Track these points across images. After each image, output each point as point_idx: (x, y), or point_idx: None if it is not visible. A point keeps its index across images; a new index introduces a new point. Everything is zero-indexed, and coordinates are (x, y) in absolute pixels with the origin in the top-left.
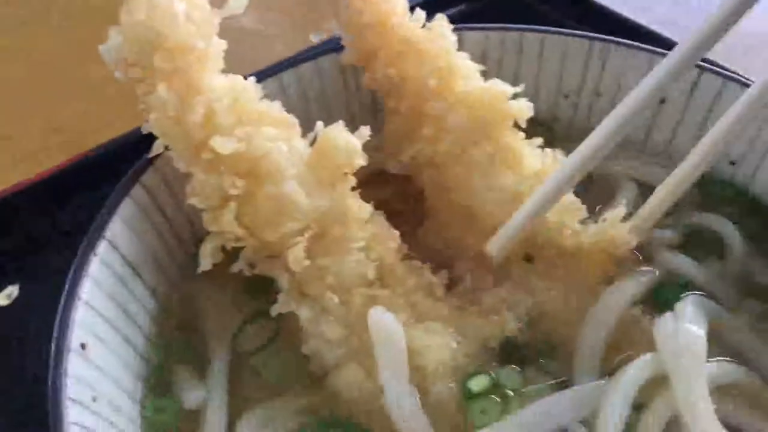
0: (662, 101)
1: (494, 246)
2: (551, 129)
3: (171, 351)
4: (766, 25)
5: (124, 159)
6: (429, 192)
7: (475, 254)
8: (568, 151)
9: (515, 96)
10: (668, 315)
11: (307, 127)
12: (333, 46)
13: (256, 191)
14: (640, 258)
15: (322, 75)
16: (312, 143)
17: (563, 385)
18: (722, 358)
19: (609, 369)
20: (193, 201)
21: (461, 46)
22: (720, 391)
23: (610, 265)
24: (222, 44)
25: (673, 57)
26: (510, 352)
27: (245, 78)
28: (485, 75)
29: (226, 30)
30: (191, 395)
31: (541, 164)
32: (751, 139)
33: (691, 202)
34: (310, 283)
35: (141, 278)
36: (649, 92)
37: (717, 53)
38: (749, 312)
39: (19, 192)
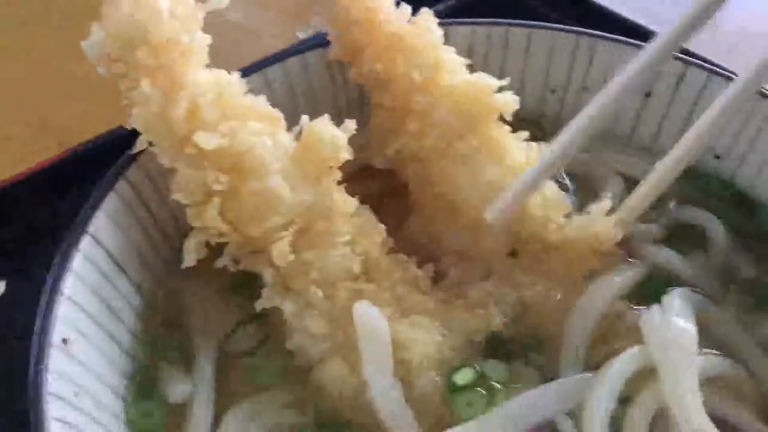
0: (648, 95)
1: (492, 213)
2: (539, 125)
3: (157, 347)
4: (749, 23)
5: (113, 155)
6: (414, 186)
7: (459, 248)
8: None
9: (501, 89)
10: (655, 308)
11: (293, 122)
12: (320, 41)
13: (240, 186)
14: (625, 252)
15: (309, 70)
16: (297, 137)
17: (549, 379)
18: (708, 351)
19: (595, 362)
20: (177, 196)
21: (447, 41)
22: (706, 384)
23: (594, 260)
24: (206, 39)
25: (651, 48)
26: (496, 346)
27: (229, 73)
28: (471, 69)
29: (211, 25)
30: (177, 389)
31: (527, 158)
32: (736, 133)
33: (676, 196)
34: (295, 278)
35: (125, 274)
36: (628, 79)
37: (702, 50)
38: (734, 305)
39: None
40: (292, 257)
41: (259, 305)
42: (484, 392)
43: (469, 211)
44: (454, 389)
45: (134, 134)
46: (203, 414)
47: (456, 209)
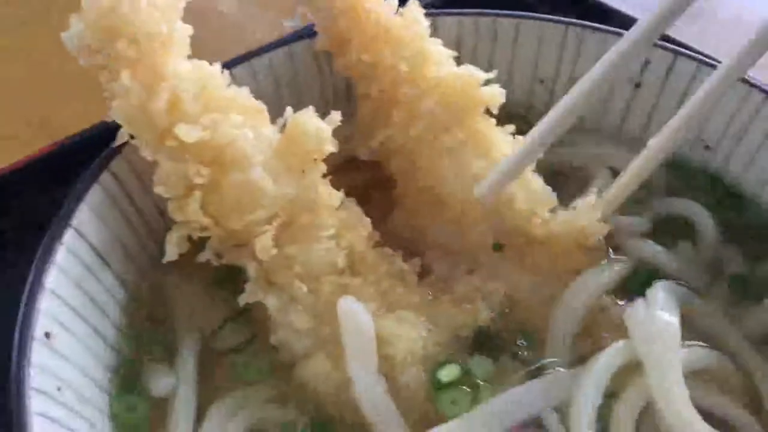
0: (637, 86)
1: (480, 189)
2: (526, 119)
3: (141, 341)
4: (742, 12)
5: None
6: (399, 179)
7: (444, 242)
8: None
9: (488, 82)
10: (639, 302)
11: (280, 114)
12: (306, 32)
13: (221, 179)
14: (610, 247)
15: (295, 61)
16: (282, 129)
17: (537, 374)
18: (694, 343)
19: (581, 357)
20: (158, 190)
21: (435, 32)
22: (692, 376)
23: (580, 255)
24: (187, 29)
25: (631, 35)
26: (482, 342)
27: (211, 64)
28: (459, 61)
29: (199, 16)
30: (160, 383)
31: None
32: (726, 124)
33: (665, 189)
34: (278, 272)
35: (110, 267)
36: (608, 67)
37: (693, 41)
38: (721, 298)
39: None
40: (275, 251)
41: (243, 300)
42: (468, 390)
43: (454, 204)
44: (438, 386)
45: (120, 127)
46: (185, 408)
47: (441, 202)
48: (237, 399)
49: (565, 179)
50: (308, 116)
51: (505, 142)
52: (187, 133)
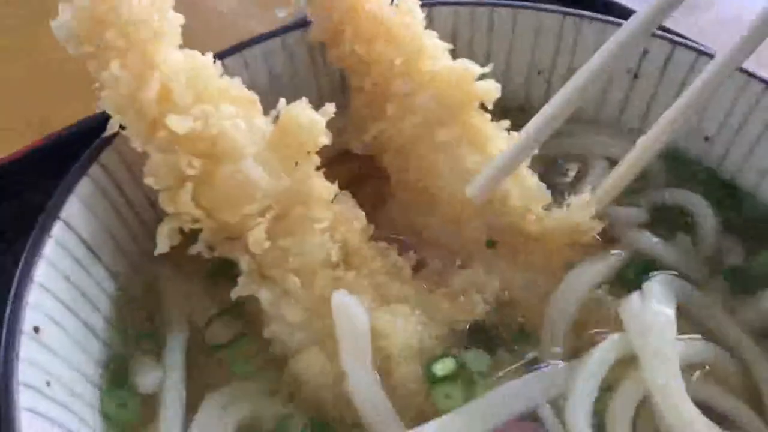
0: (635, 76)
1: (473, 188)
2: (523, 110)
3: (132, 335)
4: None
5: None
6: (392, 173)
7: (437, 238)
8: None
9: (483, 76)
10: (635, 294)
11: (273, 106)
12: (300, 22)
13: (214, 171)
14: (608, 239)
15: (289, 52)
16: (275, 121)
17: (533, 368)
18: (692, 336)
19: (577, 350)
20: (149, 181)
21: (430, 23)
22: (690, 369)
23: (574, 251)
24: (179, 19)
25: (629, 25)
26: (478, 335)
27: (203, 54)
28: (455, 51)
29: (191, 5)
30: (148, 378)
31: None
32: (725, 114)
33: (664, 180)
34: (271, 265)
35: (100, 260)
36: (604, 60)
37: (693, 34)
38: (720, 290)
39: None
40: (268, 244)
41: (235, 293)
42: (462, 385)
43: (447, 200)
44: (433, 380)
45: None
46: (174, 401)
47: (434, 198)
48: (230, 392)
49: (563, 170)
50: (302, 108)
51: (499, 138)
52: (178, 123)
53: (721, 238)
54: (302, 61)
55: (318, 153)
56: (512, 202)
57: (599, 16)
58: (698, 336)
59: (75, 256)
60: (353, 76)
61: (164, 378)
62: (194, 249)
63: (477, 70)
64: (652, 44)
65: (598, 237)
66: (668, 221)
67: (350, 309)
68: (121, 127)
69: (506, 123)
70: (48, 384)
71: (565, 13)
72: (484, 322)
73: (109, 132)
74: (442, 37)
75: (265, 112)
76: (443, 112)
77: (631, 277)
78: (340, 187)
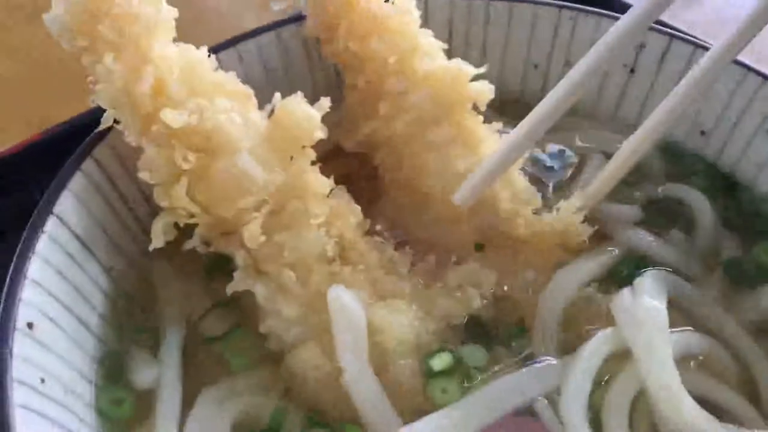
0: (632, 71)
1: (461, 196)
2: (520, 103)
3: (127, 331)
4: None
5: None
6: (384, 172)
7: (428, 238)
8: None
9: (477, 77)
10: (626, 290)
11: (268, 100)
12: (295, 16)
13: (209, 165)
14: (602, 237)
15: (283, 46)
16: (270, 115)
17: (529, 363)
18: (686, 328)
19: (571, 347)
20: (143, 176)
21: (426, 15)
22: (686, 362)
23: (564, 255)
24: (173, 12)
25: (625, 20)
26: (475, 330)
27: (198, 48)
28: (451, 43)
29: (186, 1)
30: (144, 374)
31: None
32: (722, 108)
33: (661, 174)
34: (267, 260)
35: (94, 256)
36: (606, 50)
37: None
38: (716, 285)
39: None
40: (263, 239)
41: (231, 288)
42: (458, 378)
43: (438, 199)
44: (430, 375)
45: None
46: (171, 396)
47: (425, 198)
48: (226, 387)
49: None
50: (297, 102)
51: (492, 139)
52: (173, 117)
53: (718, 232)
54: (297, 55)
55: (313, 147)
56: (501, 206)
57: (595, 9)
58: (691, 329)
59: (68, 251)
60: (347, 73)
61: (160, 373)
62: (189, 244)
63: (471, 70)
64: (648, 38)
65: (586, 241)
66: (665, 216)
67: (346, 304)
68: (115, 121)
69: (498, 125)
70: (42, 381)
71: (561, 6)
72: (481, 317)
73: (103, 126)
74: (438, 30)
75: (260, 107)
76: (436, 112)
77: (624, 274)
78: (336, 182)
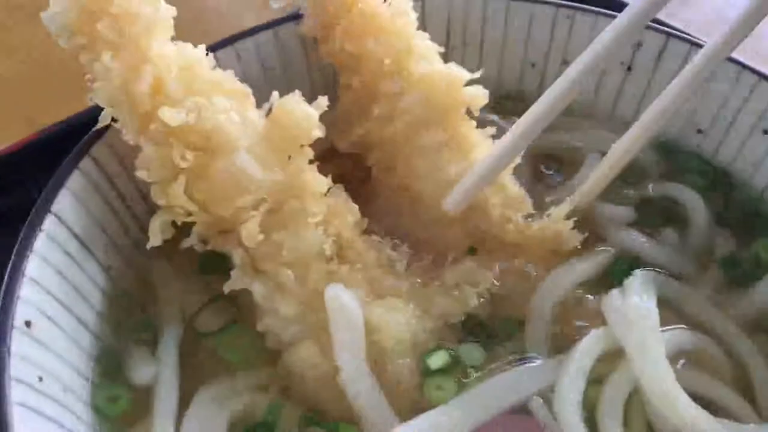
0: (629, 69)
1: (451, 202)
2: (517, 100)
3: (124, 329)
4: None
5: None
6: (377, 174)
7: (420, 241)
8: None
9: (472, 82)
10: (615, 291)
11: (266, 98)
12: (292, 15)
13: (207, 163)
14: (596, 238)
15: (281, 44)
16: (268, 114)
17: (524, 362)
18: (678, 326)
19: (564, 348)
20: (141, 174)
21: (424, 13)
22: (678, 359)
23: (555, 260)
24: (171, 11)
25: (622, 18)
26: (472, 328)
27: (195, 46)
28: (448, 43)
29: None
30: (142, 371)
31: None
32: (719, 106)
33: (657, 173)
34: (265, 259)
35: (92, 254)
36: (601, 50)
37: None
38: (708, 285)
39: None
40: (261, 237)
41: (228, 287)
42: (454, 376)
43: (430, 203)
44: (427, 373)
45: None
46: (169, 394)
47: (418, 201)
48: (223, 386)
49: (555, 164)
50: (295, 101)
51: (484, 145)
52: (171, 116)
53: (713, 231)
54: (295, 53)
55: (311, 146)
56: (492, 212)
57: (592, 8)
58: (684, 327)
59: (67, 250)
60: (342, 74)
61: (158, 372)
62: (187, 242)
63: (466, 75)
64: (645, 36)
65: (578, 245)
66: (659, 214)
67: (344, 302)
68: (113, 120)
69: (492, 130)
70: (40, 379)
71: (558, 5)
72: (478, 315)
73: (100, 125)
74: (436, 30)
75: (258, 105)
76: (429, 116)
77: (617, 275)
78: (333, 181)
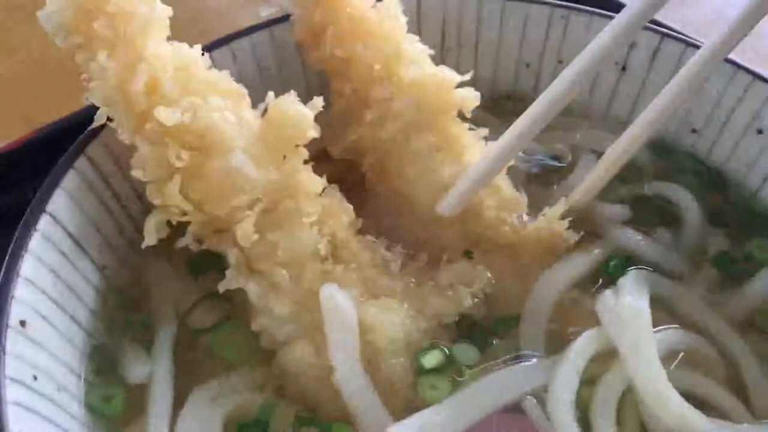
0: (623, 69)
1: (445, 207)
2: (512, 100)
3: (119, 328)
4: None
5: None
6: (371, 177)
7: (415, 244)
8: None
9: (462, 84)
10: (608, 291)
11: (261, 98)
12: (287, 16)
13: (202, 163)
14: (592, 236)
15: (277, 44)
16: (263, 114)
17: (518, 361)
18: (671, 326)
19: (559, 345)
20: (136, 173)
21: (418, 14)
22: (672, 359)
23: (550, 259)
24: (167, 10)
25: (619, 19)
26: (467, 328)
27: (191, 47)
28: (443, 44)
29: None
30: (136, 370)
31: None
32: (713, 106)
33: (651, 172)
34: (260, 259)
35: (87, 254)
36: (598, 51)
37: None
38: (702, 284)
39: None
40: (256, 237)
41: (223, 286)
42: (448, 375)
43: (425, 206)
44: (421, 372)
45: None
46: (163, 392)
47: (411, 205)
48: (218, 385)
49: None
50: (290, 101)
51: (477, 147)
52: (167, 115)
53: (706, 230)
54: (290, 53)
55: (306, 147)
56: (486, 214)
57: (587, 8)
58: (676, 326)
59: (61, 249)
60: (334, 80)
61: (152, 371)
62: (182, 242)
63: (456, 77)
64: (640, 36)
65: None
66: (653, 213)
67: (339, 303)
68: (109, 119)
69: (485, 131)
70: (35, 378)
71: (553, 5)
72: (472, 315)
73: (96, 124)
74: (430, 31)
75: (254, 105)
76: (421, 119)
77: (612, 273)
78: (328, 181)
